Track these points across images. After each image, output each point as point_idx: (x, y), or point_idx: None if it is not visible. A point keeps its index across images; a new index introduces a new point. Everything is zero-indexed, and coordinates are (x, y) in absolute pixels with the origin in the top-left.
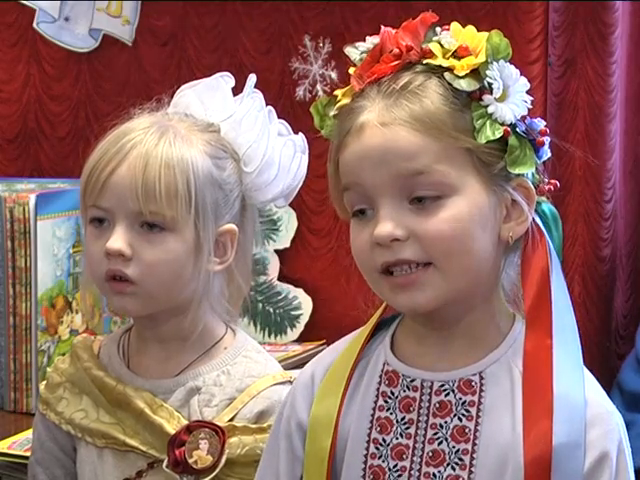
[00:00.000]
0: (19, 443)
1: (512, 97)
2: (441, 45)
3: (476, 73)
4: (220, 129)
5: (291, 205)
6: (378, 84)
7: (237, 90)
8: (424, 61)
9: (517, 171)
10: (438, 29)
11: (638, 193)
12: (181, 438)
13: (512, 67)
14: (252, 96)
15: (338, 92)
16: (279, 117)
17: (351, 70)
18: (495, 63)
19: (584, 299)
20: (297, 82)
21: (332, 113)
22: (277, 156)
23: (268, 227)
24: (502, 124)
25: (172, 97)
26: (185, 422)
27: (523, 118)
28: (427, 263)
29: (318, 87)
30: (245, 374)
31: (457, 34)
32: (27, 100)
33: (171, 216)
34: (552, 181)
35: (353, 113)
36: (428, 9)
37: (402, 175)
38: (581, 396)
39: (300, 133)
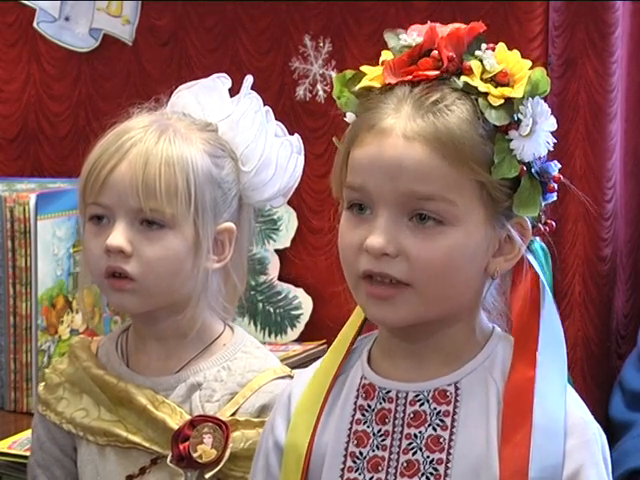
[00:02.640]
0: (19, 443)
1: (537, 135)
2: (482, 64)
3: (509, 104)
4: (218, 128)
5: (291, 205)
6: (411, 87)
7: (236, 90)
8: (462, 78)
9: (522, 213)
10: (484, 45)
11: (638, 193)
12: (185, 433)
13: (545, 105)
14: (249, 96)
15: (367, 69)
16: (279, 117)
17: (386, 54)
18: (530, 99)
19: (584, 299)
20: (297, 82)
21: (354, 89)
22: (274, 156)
23: (268, 227)
24: (520, 162)
25: (170, 97)
26: (188, 417)
27: (539, 157)
28: (407, 284)
29: (318, 87)
30: (246, 369)
31: (501, 57)
32: (27, 100)
33: (171, 213)
34: (549, 222)
35: (378, 111)
36: (428, 9)
37: (410, 195)
38: (560, 430)
39: (296, 134)
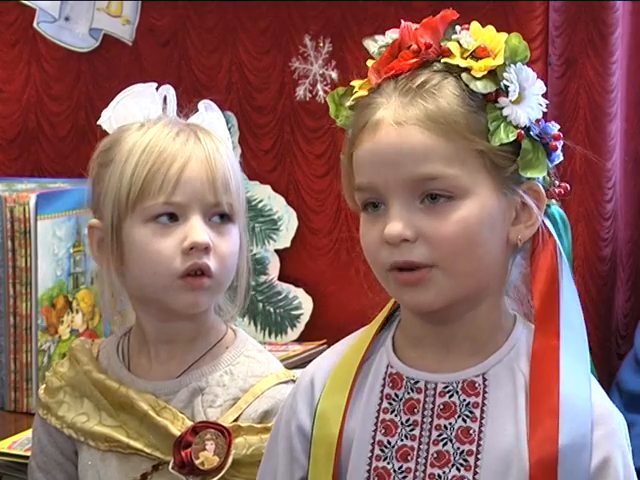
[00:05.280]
0: (19, 443)
1: (528, 100)
2: (460, 44)
3: (493, 74)
4: None
5: (291, 205)
6: (395, 80)
7: (235, 90)
8: (442, 60)
9: (529, 175)
10: (458, 27)
11: (638, 193)
12: (187, 439)
13: (529, 70)
14: (204, 102)
15: (355, 83)
16: (279, 117)
17: (369, 63)
18: (513, 66)
19: (584, 299)
20: (297, 82)
21: (348, 104)
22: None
23: (268, 227)
24: (516, 127)
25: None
26: (189, 423)
27: (537, 121)
28: (433, 265)
29: (318, 87)
30: (248, 374)
31: (476, 34)
32: (27, 100)
33: (238, 208)
34: (563, 184)
35: (369, 108)
36: (429, 8)
37: (414, 179)
38: (587, 397)
39: None
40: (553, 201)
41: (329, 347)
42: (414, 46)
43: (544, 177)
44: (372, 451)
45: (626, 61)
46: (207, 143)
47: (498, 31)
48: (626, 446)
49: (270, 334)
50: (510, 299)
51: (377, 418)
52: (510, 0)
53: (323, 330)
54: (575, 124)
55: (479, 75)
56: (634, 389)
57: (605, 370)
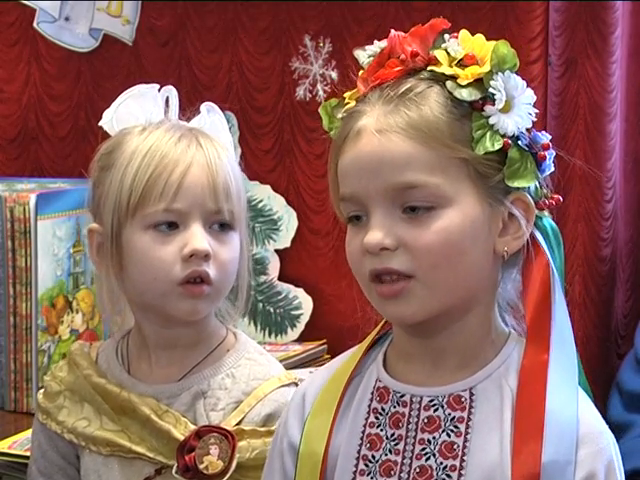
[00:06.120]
0: (19, 443)
1: (516, 109)
2: (447, 53)
3: (480, 83)
4: None
5: (291, 205)
6: (380, 89)
7: (235, 91)
8: (428, 68)
9: (515, 185)
10: (447, 36)
11: (638, 193)
12: (191, 444)
13: (518, 78)
14: (206, 104)
15: (347, 94)
16: (279, 117)
17: (360, 73)
18: (500, 74)
19: (584, 299)
20: (297, 82)
21: (340, 115)
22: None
23: (268, 227)
24: (503, 136)
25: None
26: (192, 427)
27: (528, 130)
28: (412, 276)
29: (318, 87)
30: (250, 377)
31: (465, 42)
32: (27, 100)
33: (238, 214)
34: (555, 196)
35: (353, 117)
36: (429, 8)
37: (395, 187)
38: (573, 414)
39: None
40: (545, 213)
41: (329, 347)
42: (402, 55)
43: (536, 188)
44: (356, 466)
45: (626, 61)
46: (208, 149)
47: (498, 31)
48: (615, 466)
49: (270, 334)
50: (508, 316)
51: (363, 432)
52: (510, 0)
53: (323, 330)
54: (575, 124)
55: (464, 83)
56: (634, 389)
57: (605, 370)
